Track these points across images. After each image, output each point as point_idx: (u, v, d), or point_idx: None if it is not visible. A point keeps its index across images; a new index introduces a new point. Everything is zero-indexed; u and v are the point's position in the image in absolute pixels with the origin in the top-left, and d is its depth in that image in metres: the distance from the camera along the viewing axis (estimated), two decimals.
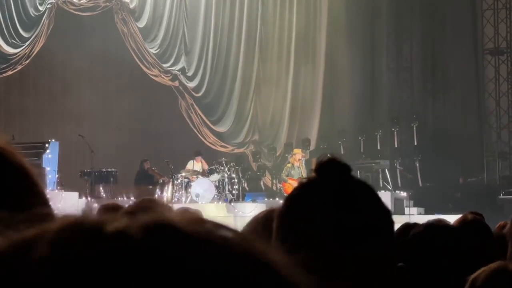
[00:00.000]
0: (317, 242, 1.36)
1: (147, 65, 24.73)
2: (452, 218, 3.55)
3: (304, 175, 20.92)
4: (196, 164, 21.72)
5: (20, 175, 1.29)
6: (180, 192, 20.86)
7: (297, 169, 20.98)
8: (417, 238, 2.78)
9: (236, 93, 26.09)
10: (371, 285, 1.38)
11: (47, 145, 19.13)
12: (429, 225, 2.84)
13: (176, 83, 25.25)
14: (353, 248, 1.35)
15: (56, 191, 18.33)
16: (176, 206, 4.08)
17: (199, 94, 25.55)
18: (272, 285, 0.61)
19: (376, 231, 1.37)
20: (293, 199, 1.47)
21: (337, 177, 1.43)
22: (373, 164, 24.13)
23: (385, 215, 1.42)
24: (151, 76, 24.86)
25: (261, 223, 2.48)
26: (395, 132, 25.27)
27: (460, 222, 3.23)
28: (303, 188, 1.47)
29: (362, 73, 26.17)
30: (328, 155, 1.47)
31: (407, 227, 4.86)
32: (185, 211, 4.20)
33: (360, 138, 25.14)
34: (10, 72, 23.06)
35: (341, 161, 1.45)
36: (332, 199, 1.40)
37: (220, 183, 21.36)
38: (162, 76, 25.02)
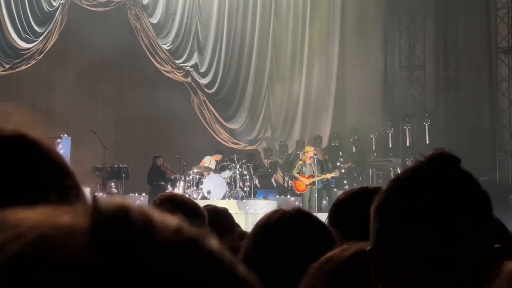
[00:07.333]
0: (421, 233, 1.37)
1: (160, 61, 24.77)
2: None
3: (316, 172, 20.89)
4: (212, 161, 21.75)
5: (61, 173, 1.23)
6: (192, 189, 20.87)
7: (309, 166, 20.95)
8: None
9: (249, 90, 26.07)
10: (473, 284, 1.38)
11: (59, 140, 19.12)
12: None
13: (189, 80, 25.27)
14: (455, 248, 1.36)
15: None
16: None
17: (212, 91, 25.55)
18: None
19: (475, 230, 1.37)
20: (402, 181, 1.46)
21: (447, 169, 1.44)
22: (385, 162, 24.09)
23: (486, 211, 1.42)
24: (163, 72, 24.89)
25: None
26: (407, 130, 25.22)
27: None
28: (413, 172, 1.46)
29: (374, 71, 26.12)
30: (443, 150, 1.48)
31: None
32: (214, 208, 4.20)
33: (372, 136, 25.09)
34: (23, 67, 23.15)
35: (453, 155, 1.46)
36: (440, 190, 1.40)
37: (232, 180, 21.36)
38: (175, 72, 25.05)
